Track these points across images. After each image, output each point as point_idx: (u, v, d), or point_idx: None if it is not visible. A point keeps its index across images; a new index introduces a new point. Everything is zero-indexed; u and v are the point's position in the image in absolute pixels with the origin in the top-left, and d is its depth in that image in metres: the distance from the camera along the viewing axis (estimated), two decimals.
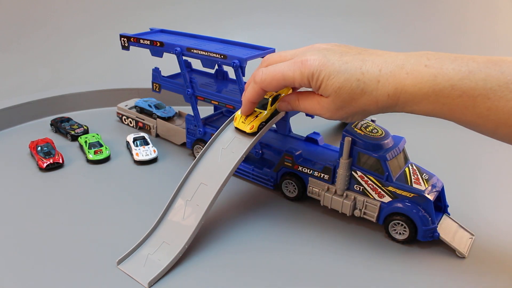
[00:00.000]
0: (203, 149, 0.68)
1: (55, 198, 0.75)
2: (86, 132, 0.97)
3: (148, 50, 0.87)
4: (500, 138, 0.53)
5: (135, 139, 0.91)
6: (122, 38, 0.90)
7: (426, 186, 0.66)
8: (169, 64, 0.94)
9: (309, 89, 0.60)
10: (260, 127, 0.66)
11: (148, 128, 1.00)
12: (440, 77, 0.49)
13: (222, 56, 0.76)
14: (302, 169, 0.73)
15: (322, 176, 0.71)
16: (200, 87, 0.84)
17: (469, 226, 0.69)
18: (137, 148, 0.88)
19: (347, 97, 0.54)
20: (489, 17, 1.58)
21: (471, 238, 0.67)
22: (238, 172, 0.82)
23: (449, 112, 0.51)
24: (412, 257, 0.64)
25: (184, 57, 0.82)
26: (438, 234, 0.64)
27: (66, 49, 1.07)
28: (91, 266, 0.60)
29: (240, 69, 0.74)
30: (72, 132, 0.96)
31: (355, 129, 0.68)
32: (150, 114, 0.99)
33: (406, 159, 0.71)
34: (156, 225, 0.64)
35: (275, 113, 0.67)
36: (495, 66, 0.47)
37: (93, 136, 0.91)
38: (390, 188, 0.65)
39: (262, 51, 0.80)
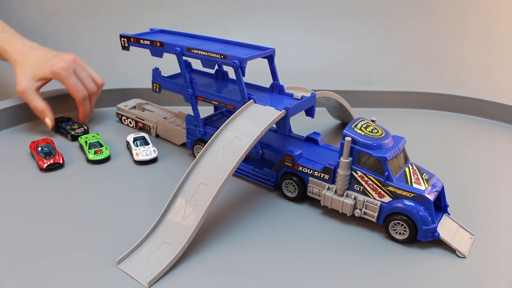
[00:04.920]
0: (203, 149, 0.69)
1: (55, 198, 0.75)
2: (86, 132, 0.97)
3: (148, 50, 0.87)
4: None
5: (135, 139, 0.91)
6: (122, 38, 0.90)
7: (426, 186, 0.66)
8: (169, 64, 0.95)
9: None
10: None
11: (148, 128, 1.00)
12: None
13: (222, 56, 0.76)
14: (302, 169, 0.73)
15: (322, 176, 0.71)
16: (200, 87, 0.84)
17: (469, 226, 0.69)
18: (137, 148, 0.88)
19: None
20: (489, 18, 1.58)
21: (471, 238, 0.67)
22: (238, 172, 0.82)
23: None
24: (412, 257, 0.64)
25: (184, 57, 0.82)
26: (438, 234, 0.64)
27: (66, 50, 1.07)
28: (91, 266, 0.60)
29: (240, 69, 0.74)
30: (72, 132, 0.96)
31: (355, 129, 0.68)
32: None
33: (406, 159, 0.71)
34: (156, 225, 0.64)
35: None
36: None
37: (93, 136, 0.91)
38: (390, 188, 0.65)
39: (262, 51, 0.80)
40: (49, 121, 0.97)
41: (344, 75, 1.45)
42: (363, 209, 0.68)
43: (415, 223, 0.64)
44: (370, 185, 0.67)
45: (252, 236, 0.67)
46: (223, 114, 0.93)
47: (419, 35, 1.58)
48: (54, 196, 0.75)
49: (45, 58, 0.97)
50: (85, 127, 0.98)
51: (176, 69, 0.86)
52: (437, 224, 0.65)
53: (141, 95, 1.15)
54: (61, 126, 0.98)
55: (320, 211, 0.74)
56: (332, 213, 0.73)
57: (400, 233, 0.66)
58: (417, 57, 1.54)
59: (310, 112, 0.81)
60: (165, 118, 1.00)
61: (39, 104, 0.96)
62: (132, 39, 0.88)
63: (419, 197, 0.64)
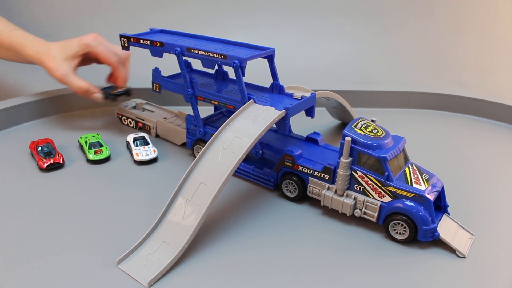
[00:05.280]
0: (203, 148, 0.69)
1: (55, 198, 0.75)
2: (127, 92, 1.00)
3: (148, 50, 0.87)
4: None
5: (135, 139, 0.91)
6: (122, 38, 0.90)
7: (426, 186, 0.66)
8: (169, 64, 0.95)
9: None
10: None
11: (148, 128, 1.00)
12: None
13: (222, 56, 0.76)
14: (302, 169, 0.73)
15: (322, 176, 0.71)
16: (200, 87, 0.84)
17: (469, 226, 0.69)
18: (137, 148, 0.88)
19: None
20: (489, 18, 1.58)
21: (471, 238, 0.67)
22: (238, 172, 0.82)
23: None
24: (412, 257, 0.64)
25: (184, 57, 0.82)
26: (438, 234, 0.64)
27: None
28: (91, 266, 0.60)
29: (240, 69, 0.75)
30: (111, 92, 0.98)
31: (355, 129, 0.68)
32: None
33: (406, 159, 0.71)
34: (156, 224, 0.64)
35: None
36: None
37: (93, 136, 0.91)
38: (390, 188, 0.65)
39: (262, 51, 0.80)
40: (98, 95, 0.97)
41: (344, 75, 1.45)
42: (363, 209, 0.68)
43: (415, 223, 0.64)
44: (370, 185, 0.67)
45: (252, 236, 0.67)
46: (223, 114, 0.93)
47: (419, 35, 1.58)
48: (54, 196, 0.75)
49: (69, 42, 0.98)
50: (127, 87, 1.00)
51: (176, 69, 0.86)
52: (437, 224, 0.65)
53: (141, 95, 1.15)
54: (103, 91, 0.99)
55: (320, 211, 0.74)
56: (332, 213, 0.73)
57: (400, 233, 0.66)
58: (417, 57, 1.54)
59: (310, 112, 0.81)
60: (165, 118, 1.00)
61: (82, 84, 0.95)
62: (132, 39, 0.88)
63: (419, 197, 0.64)
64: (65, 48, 0.96)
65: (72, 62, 0.96)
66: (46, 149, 0.86)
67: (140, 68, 1.14)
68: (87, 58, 1.01)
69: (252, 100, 0.76)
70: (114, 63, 0.99)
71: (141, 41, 0.86)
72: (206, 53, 0.77)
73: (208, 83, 0.90)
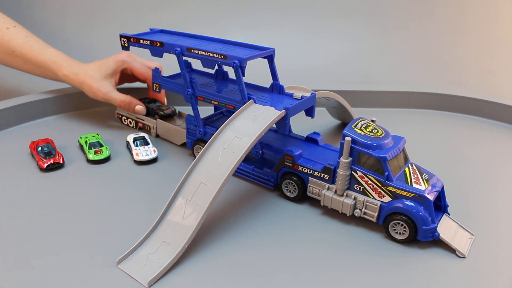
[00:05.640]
0: (203, 148, 0.69)
1: (55, 198, 0.75)
2: (174, 113, 1.00)
3: (148, 50, 0.87)
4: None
5: (135, 139, 0.91)
6: (122, 38, 0.90)
7: (426, 186, 0.66)
8: (169, 64, 0.95)
9: None
10: None
11: (148, 128, 1.00)
12: None
13: (222, 56, 0.76)
14: (302, 169, 0.73)
15: (322, 176, 0.71)
16: (200, 87, 0.84)
17: (469, 226, 0.69)
18: (137, 148, 0.88)
19: None
20: (489, 18, 1.58)
21: (471, 238, 0.67)
22: (238, 172, 0.82)
23: None
24: (412, 257, 0.64)
25: (184, 57, 0.82)
26: (438, 234, 0.64)
27: (66, 50, 1.08)
28: (91, 266, 0.60)
29: (240, 69, 0.74)
30: (161, 113, 0.98)
31: (355, 129, 0.68)
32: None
33: (406, 159, 0.71)
34: (156, 224, 0.64)
35: None
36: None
37: (93, 136, 0.91)
38: (390, 188, 0.66)
39: (262, 51, 0.80)
40: (140, 107, 0.99)
41: (344, 75, 1.46)
42: (363, 209, 0.68)
43: (415, 223, 0.64)
44: (370, 185, 0.67)
45: (252, 236, 0.67)
46: (223, 114, 0.93)
47: (419, 35, 1.58)
48: (54, 196, 0.75)
49: (105, 60, 1.00)
50: (173, 108, 1.00)
51: (176, 69, 0.86)
52: (437, 224, 0.65)
53: (141, 95, 1.14)
54: (148, 106, 1.00)
55: (320, 211, 0.74)
56: (332, 213, 0.73)
57: (400, 233, 0.66)
58: (417, 57, 1.54)
59: (310, 112, 0.81)
60: None
61: (124, 97, 0.98)
62: (132, 39, 0.88)
63: (419, 197, 0.64)
64: (102, 67, 0.98)
65: (111, 79, 0.99)
66: (46, 149, 0.86)
67: None
68: (122, 76, 1.03)
69: (252, 100, 0.76)
70: (150, 76, 1.01)
71: (141, 41, 0.86)
72: (206, 53, 0.77)
73: (208, 83, 0.90)
